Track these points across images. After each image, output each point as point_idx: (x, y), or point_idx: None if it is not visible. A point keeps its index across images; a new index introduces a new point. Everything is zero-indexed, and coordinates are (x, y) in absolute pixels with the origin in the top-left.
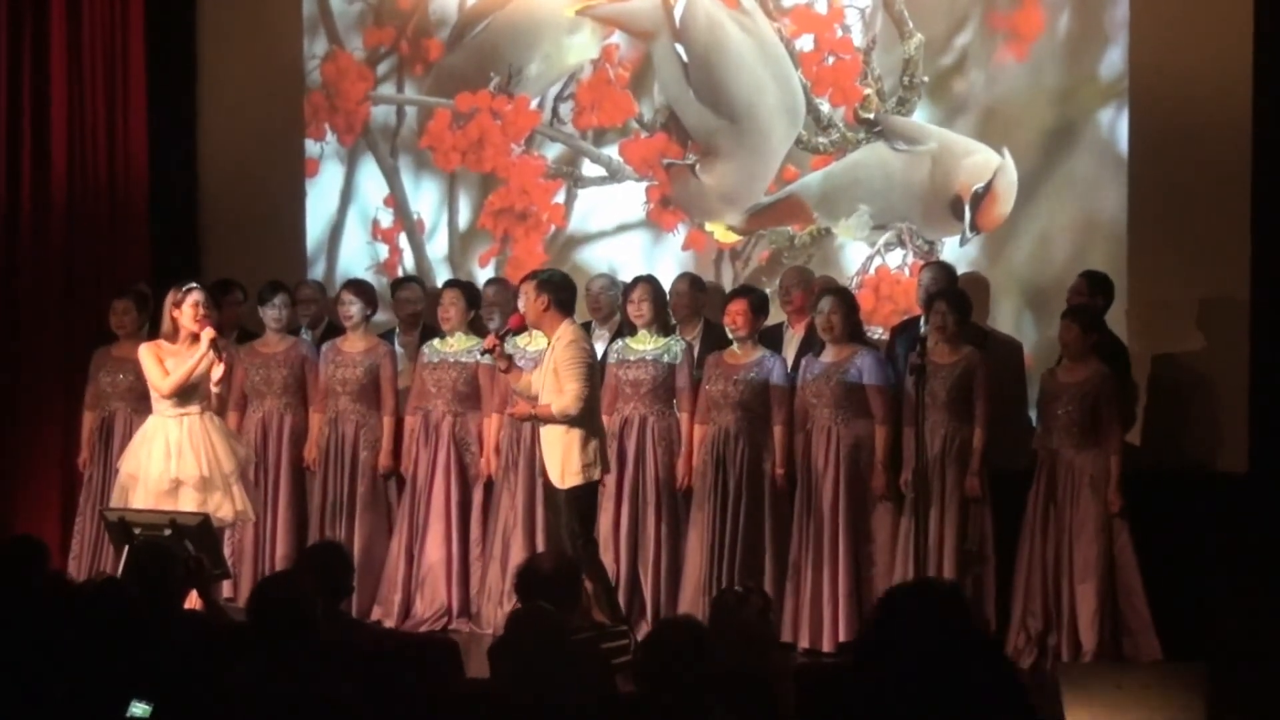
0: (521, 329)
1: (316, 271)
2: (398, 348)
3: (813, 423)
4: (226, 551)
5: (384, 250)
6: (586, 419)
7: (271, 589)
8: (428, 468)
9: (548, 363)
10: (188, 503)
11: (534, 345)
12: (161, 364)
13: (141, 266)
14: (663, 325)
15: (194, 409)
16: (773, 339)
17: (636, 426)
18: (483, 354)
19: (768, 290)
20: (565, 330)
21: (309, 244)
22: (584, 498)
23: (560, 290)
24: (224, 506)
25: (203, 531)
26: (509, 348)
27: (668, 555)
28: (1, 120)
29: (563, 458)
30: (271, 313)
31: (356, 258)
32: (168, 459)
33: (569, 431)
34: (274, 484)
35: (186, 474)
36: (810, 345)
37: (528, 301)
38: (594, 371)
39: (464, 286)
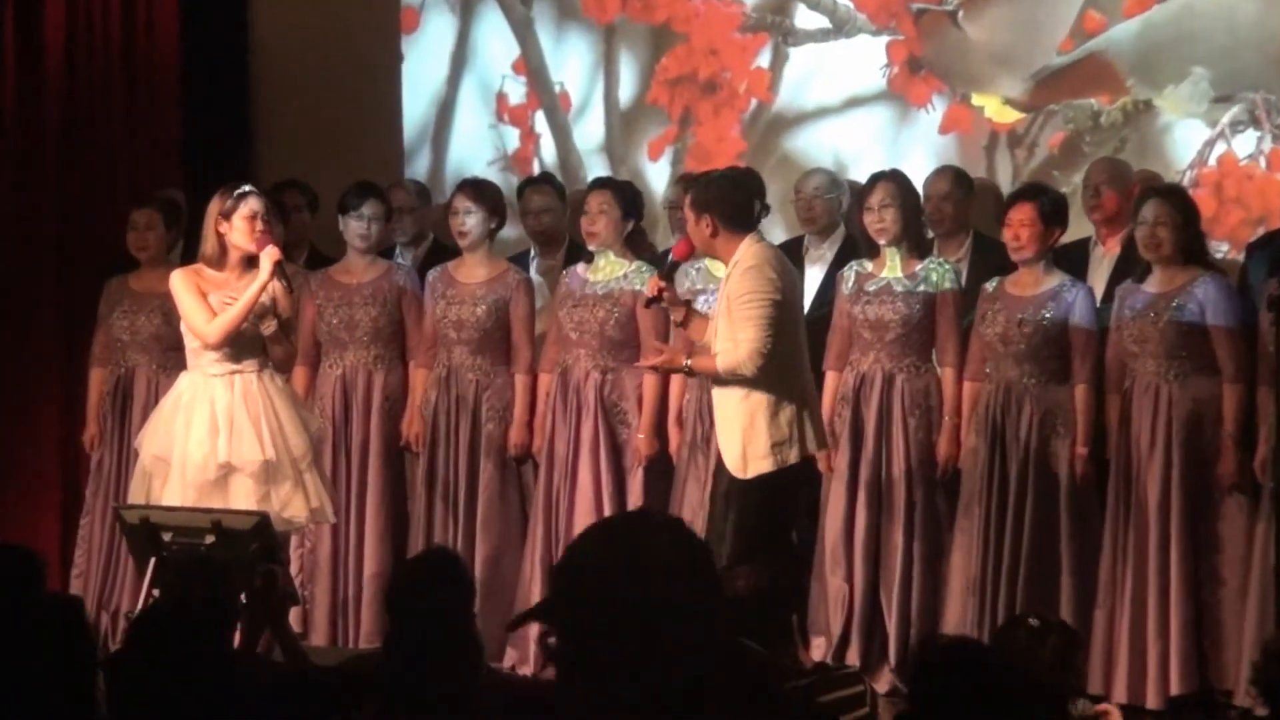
0: (689, 258)
1: (418, 169)
2: (535, 275)
3: (1133, 380)
4: (293, 568)
5: (513, 136)
6: (775, 379)
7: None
8: (568, 446)
9: (721, 299)
10: (243, 498)
11: (713, 280)
12: (204, 298)
13: (170, 168)
14: (915, 241)
15: (250, 365)
16: (1076, 261)
17: (879, 387)
18: (647, 304)
19: (1065, 191)
20: (744, 252)
21: (407, 130)
22: (775, 489)
23: (726, 201)
24: (294, 503)
25: (261, 537)
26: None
27: (922, 572)
28: None
29: (744, 435)
30: (357, 226)
31: (475, 148)
32: (214, 435)
33: (749, 397)
34: (359, 470)
35: (243, 457)
36: (1130, 270)
37: (689, 225)
38: (781, 310)
39: (619, 187)
